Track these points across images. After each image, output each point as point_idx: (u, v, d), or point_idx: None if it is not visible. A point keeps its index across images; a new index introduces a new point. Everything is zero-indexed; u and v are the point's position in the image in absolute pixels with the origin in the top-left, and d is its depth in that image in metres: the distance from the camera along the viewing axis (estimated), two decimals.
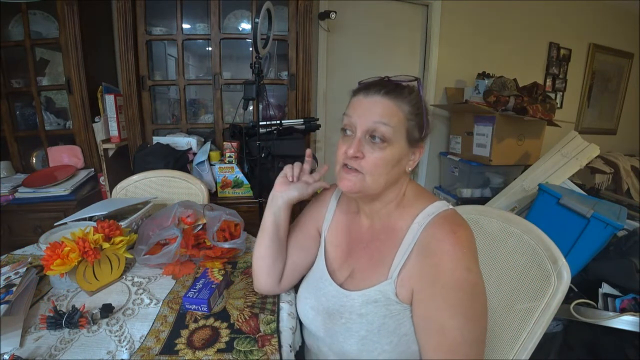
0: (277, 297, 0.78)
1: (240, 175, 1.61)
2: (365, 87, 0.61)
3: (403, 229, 0.62)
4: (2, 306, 0.65)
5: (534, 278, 0.68)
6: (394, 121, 0.58)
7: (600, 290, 1.32)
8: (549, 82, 3.16)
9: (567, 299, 1.25)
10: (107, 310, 0.70)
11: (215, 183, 1.63)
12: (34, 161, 1.82)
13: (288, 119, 1.77)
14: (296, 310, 0.74)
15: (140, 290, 0.81)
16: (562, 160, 1.91)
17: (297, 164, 0.73)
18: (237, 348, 0.62)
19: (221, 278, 0.79)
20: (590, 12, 3.17)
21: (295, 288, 0.80)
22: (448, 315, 0.54)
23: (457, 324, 0.53)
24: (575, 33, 3.16)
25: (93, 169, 1.73)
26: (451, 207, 0.63)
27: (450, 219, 0.59)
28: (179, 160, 1.59)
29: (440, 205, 0.62)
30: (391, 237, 0.63)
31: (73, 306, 0.68)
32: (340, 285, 0.66)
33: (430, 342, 0.56)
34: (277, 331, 0.67)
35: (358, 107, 0.60)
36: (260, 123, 1.49)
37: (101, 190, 1.74)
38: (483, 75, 2.56)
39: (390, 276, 0.60)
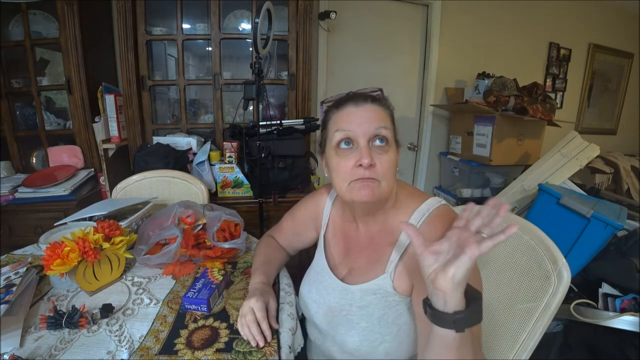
0: (277, 299, 0.78)
1: (240, 175, 1.61)
2: (351, 99, 0.63)
3: (398, 227, 0.63)
4: (2, 306, 0.65)
5: (534, 278, 0.68)
6: (389, 124, 0.62)
7: (600, 290, 1.32)
8: (549, 82, 3.16)
9: (567, 299, 1.25)
10: (107, 310, 0.70)
11: (215, 183, 1.63)
12: (34, 161, 1.82)
13: (288, 119, 1.77)
14: (296, 311, 0.74)
15: (140, 290, 0.81)
16: (562, 160, 1.90)
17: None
18: (236, 349, 0.62)
19: (221, 278, 0.79)
20: (590, 12, 3.16)
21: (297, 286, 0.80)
22: None
23: None
24: (575, 33, 3.15)
25: (93, 169, 1.73)
26: (444, 202, 0.65)
27: (444, 214, 0.62)
28: (179, 160, 1.59)
29: (434, 202, 0.64)
30: (388, 237, 0.65)
31: (73, 306, 0.68)
32: (341, 280, 0.68)
33: (423, 333, 0.56)
34: (277, 332, 0.67)
35: (354, 118, 0.60)
36: (260, 123, 1.49)
37: (101, 190, 1.74)
38: (483, 75, 2.56)
39: (386, 270, 0.62)
